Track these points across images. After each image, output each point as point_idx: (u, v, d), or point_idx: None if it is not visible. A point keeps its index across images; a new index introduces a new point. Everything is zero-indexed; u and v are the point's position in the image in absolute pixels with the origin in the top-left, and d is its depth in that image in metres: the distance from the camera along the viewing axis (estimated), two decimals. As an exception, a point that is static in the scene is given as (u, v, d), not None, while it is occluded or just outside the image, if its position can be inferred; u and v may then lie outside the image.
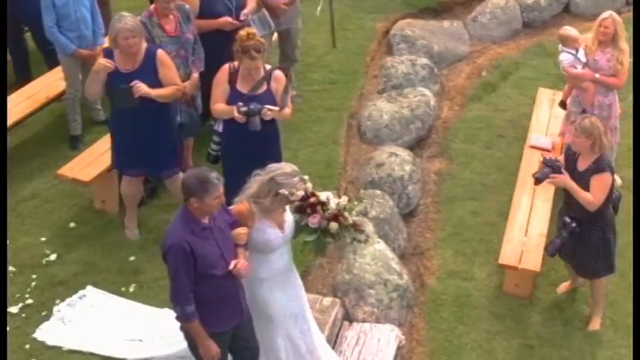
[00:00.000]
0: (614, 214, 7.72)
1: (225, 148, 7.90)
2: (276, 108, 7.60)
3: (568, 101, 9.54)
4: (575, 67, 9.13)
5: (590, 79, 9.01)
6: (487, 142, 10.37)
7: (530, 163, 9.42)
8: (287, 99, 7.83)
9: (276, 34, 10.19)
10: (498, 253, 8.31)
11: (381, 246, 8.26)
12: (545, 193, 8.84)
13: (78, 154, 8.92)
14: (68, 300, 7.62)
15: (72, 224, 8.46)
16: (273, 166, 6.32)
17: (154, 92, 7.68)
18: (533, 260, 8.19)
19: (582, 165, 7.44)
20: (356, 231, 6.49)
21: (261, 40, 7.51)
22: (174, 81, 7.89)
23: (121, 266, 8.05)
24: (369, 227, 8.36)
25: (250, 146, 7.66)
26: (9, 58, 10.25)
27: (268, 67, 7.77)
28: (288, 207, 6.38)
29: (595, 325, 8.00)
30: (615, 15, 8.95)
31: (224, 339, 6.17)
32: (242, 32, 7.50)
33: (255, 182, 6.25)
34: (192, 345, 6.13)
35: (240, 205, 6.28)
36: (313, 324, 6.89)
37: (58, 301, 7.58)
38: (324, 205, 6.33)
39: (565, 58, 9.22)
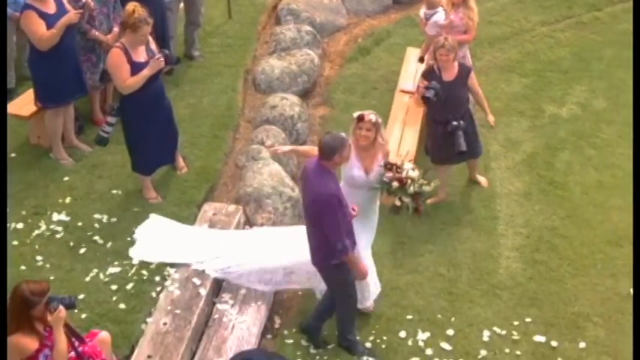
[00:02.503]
0: None
1: (132, 114, 9.03)
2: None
3: (426, 56, 11.07)
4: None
5: (446, 33, 10.64)
6: (363, 93, 12.04)
7: (400, 104, 11.21)
8: None
9: (182, 3, 11.69)
10: (375, 174, 9.98)
11: (276, 166, 9.82)
12: (414, 122, 10.64)
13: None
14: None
15: (13, 154, 9.85)
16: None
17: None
18: (403, 177, 9.88)
19: (449, 76, 9.44)
20: (415, 202, 8.07)
21: (143, 9, 8.79)
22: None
23: (57, 185, 9.50)
24: (265, 153, 10.00)
25: (155, 102, 9.13)
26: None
27: None
28: (380, 158, 7.93)
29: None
30: None
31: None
32: (128, 8, 8.74)
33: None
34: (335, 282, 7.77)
35: None
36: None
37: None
38: (399, 167, 7.91)
39: (441, 17, 10.68)
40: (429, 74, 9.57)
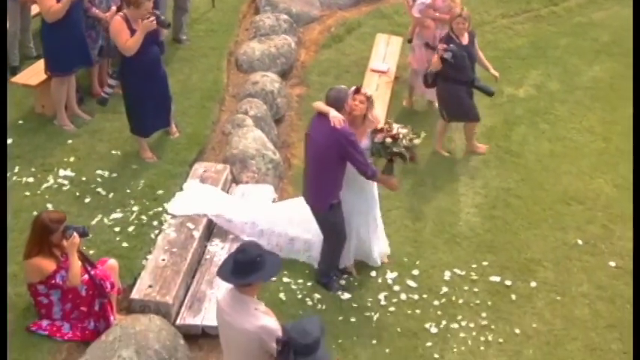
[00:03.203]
0: None
1: (131, 77, 10.00)
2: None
3: (414, 38, 12.23)
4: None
5: (431, 16, 11.75)
6: (337, 75, 13.13)
7: (370, 82, 12.27)
8: None
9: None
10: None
11: (259, 133, 10.86)
12: (383, 97, 11.74)
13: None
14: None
15: (20, 121, 10.86)
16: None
17: None
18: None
19: (464, 40, 10.86)
20: (407, 152, 8.78)
21: None
22: None
23: (62, 147, 10.48)
24: (250, 122, 11.03)
25: (152, 69, 10.12)
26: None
27: None
28: (367, 129, 8.78)
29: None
30: None
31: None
32: None
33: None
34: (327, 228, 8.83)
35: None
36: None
37: (17, 168, 9.98)
38: (388, 128, 8.74)
39: None
40: (448, 39, 10.84)
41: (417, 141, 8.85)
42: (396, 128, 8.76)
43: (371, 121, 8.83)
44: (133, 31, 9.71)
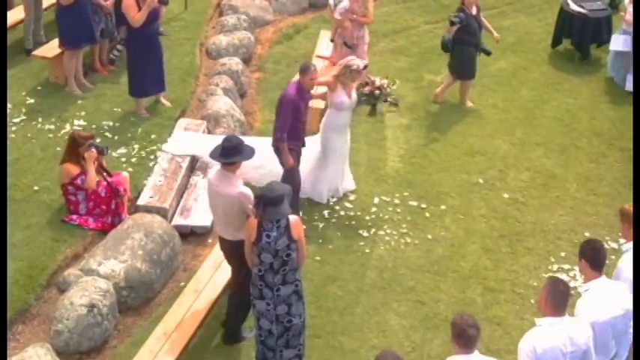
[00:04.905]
0: None
1: (135, 45, 12.77)
2: None
3: (335, 38, 14.79)
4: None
5: (350, 18, 14.43)
6: (287, 64, 15.90)
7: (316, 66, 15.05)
8: None
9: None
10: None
11: (227, 99, 13.63)
12: (327, 72, 14.49)
13: (32, 58, 14.18)
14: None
15: (39, 87, 13.68)
16: (341, 61, 11.77)
17: None
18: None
19: (474, 12, 14.18)
20: (386, 96, 11.77)
21: None
22: None
23: (73, 105, 13.32)
24: (220, 92, 13.82)
25: (152, 39, 12.88)
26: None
27: None
28: (354, 85, 11.57)
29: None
30: None
31: (299, 153, 11.26)
32: None
33: (334, 70, 11.76)
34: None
35: (329, 78, 11.62)
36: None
37: (40, 119, 12.71)
38: (374, 82, 11.64)
39: (346, 4, 14.14)
40: (461, 9, 14.07)
41: (395, 86, 11.94)
42: (378, 80, 11.68)
43: (352, 84, 11.55)
44: (140, 8, 12.45)
